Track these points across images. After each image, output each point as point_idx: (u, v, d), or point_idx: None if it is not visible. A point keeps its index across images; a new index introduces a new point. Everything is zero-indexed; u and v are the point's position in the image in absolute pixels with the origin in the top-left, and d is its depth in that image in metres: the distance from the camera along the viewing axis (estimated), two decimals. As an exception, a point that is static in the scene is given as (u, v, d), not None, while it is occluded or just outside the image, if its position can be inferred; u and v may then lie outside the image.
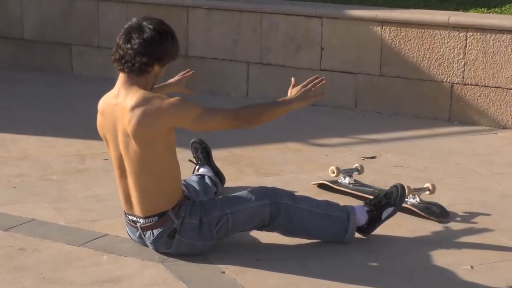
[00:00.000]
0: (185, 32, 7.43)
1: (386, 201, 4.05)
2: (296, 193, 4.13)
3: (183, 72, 4.55)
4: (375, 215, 4.05)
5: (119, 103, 3.72)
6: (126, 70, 3.71)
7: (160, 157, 3.74)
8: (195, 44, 7.44)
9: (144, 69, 3.70)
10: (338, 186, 4.78)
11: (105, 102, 3.82)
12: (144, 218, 3.82)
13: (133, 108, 3.66)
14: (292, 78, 4.03)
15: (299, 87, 3.93)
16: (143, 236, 3.87)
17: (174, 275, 3.67)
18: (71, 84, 7.74)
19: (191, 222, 3.81)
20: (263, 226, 3.95)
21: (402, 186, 4.09)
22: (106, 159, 5.36)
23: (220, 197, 4.09)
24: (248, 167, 5.29)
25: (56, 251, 3.93)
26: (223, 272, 3.73)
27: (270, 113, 3.88)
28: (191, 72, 4.53)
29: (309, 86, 3.92)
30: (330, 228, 3.99)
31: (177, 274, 3.69)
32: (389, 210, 4.05)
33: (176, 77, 4.51)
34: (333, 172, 4.82)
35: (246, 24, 7.19)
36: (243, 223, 3.90)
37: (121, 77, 3.76)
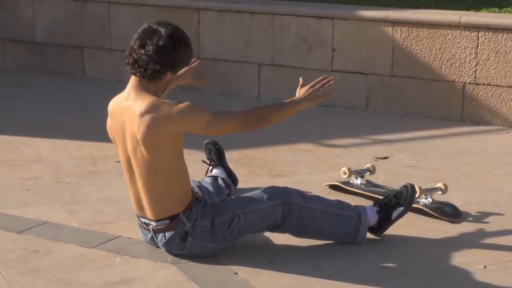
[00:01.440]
0: (196, 34, 7.44)
1: (396, 201, 4.04)
2: (308, 193, 4.12)
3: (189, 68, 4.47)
4: (385, 215, 4.04)
5: (128, 106, 3.73)
6: (138, 75, 3.71)
7: (167, 162, 3.75)
8: (206, 46, 7.45)
9: (156, 76, 3.71)
10: (350, 187, 4.78)
11: (115, 105, 3.83)
12: (156, 221, 3.83)
13: (142, 114, 3.65)
14: (300, 78, 4.03)
15: (307, 87, 3.94)
16: (155, 238, 3.89)
17: (187, 277, 3.68)
18: (83, 87, 7.76)
19: (203, 224, 3.82)
20: (275, 227, 3.95)
21: (412, 186, 4.08)
22: (119, 161, 5.37)
23: (231, 197, 4.09)
24: (260, 168, 5.30)
25: (69, 253, 3.95)
26: (236, 273, 3.73)
27: (279, 114, 3.89)
28: (197, 62, 4.46)
29: (317, 86, 3.93)
30: (342, 228, 3.99)
31: (189, 275, 3.69)
32: (399, 210, 4.04)
33: (183, 69, 4.33)
34: (345, 173, 4.82)
35: (257, 26, 7.19)
36: (255, 224, 3.90)
37: (133, 80, 3.76)
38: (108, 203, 4.64)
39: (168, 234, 3.82)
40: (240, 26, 7.28)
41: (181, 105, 3.67)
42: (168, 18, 7.53)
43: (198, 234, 3.81)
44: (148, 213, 3.84)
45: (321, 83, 3.94)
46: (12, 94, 7.47)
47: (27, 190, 4.86)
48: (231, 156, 5.22)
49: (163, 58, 3.67)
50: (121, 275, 3.71)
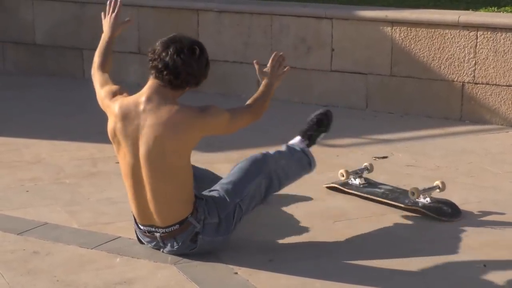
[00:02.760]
0: (195, 35, 7.44)
1: (319, 131, 4.52)
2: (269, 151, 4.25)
3: (110, 8, 4.30)
4: (312, 143, 4.54)
5: (149, 110, 3.70)
6: (164, 81, 3.71)
7: (184, 165, 3.77)
8: (206, 46, 7.42)
9: (183, 86, 3.74)
10: (349, 188, 4.77)
11: (128, 107, 3.76)
12: (165, 227, 3.82)
13: (172, 120, 3.65)
14: (254, 62, 4.17)
15: (268, 69, 4.13)
16: (162, 245, 3.88)
17: (187, 277, 3.69)
18: (83, 88, 7.75)
19: (212, 222, 3.85)
20: (261, 200, 4.10)
21: (328, 110, 4.60)
22: (118, 162, 5.39)
23: (221, 185, 4.03)
24: (259, 168, 5.29)
25: (69, 254, 3.96)
26: (236, 273, 3.74)
27: (267, 99, 4.08)
28: (119, 1, 4.28)
29: (276, 65, 4.14)
30: (302, 168, 4.35)
31: (190, 275, 3.70)
32: (322, 135, 4.55)
33: (108, 20, 4.30)
34: (343, 176, 4.83)
35: (257, 26, 7.21)
36: (250, 205, 4.02)
37: (153, 85, 3.74)
38: (108, 204, 4.64)
39: (179, 239, 3.83)
40: (240, 27, 7.29)
41: (205, 112, 3.73)
42: (168, 19, 7.60)
43: (207, 231, 3.85)
44: (156, 220, 3.81)
45: (277, 62, 4.14)
46: (12, 96, 7.48)
47: (27, 191, 4.87)
48: (231, 157, 5.24)
49: (197, 71, 3.74)
50: (121, 275, 3.71)
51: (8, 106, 7.10)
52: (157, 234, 3.85)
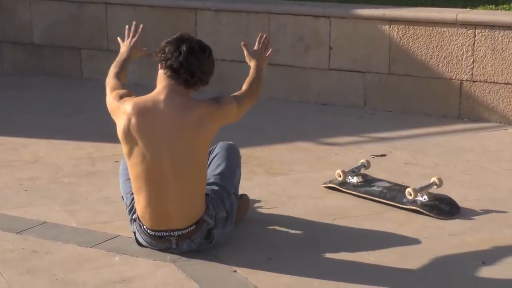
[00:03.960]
0: (193, 34, 7.38)
1: None
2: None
3: (130, 32, 4.29)
4: None
5: (171, 110, 3.71)
6: (179, 81, 3.75)
7: (205, 159, 3.85)
8: (203, 46, 7.45)
9: (197, 85, 3.80)
10: (347, 188, 4.77)
11: (146, 105, 3.74)
12: (182, 229, 3.82)
13: (194, 117, 3.70)
14: (242, 44, 4.24)
15: (256, 51, 4.20)
16: (174, 247, 3.86)
17: (186, 275, 3.69)
18: (81, 88, 7.77)
19: (222, 216, 3.91)
20: None
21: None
22: (117, 161, 5.39)
23: (214, 177, 4.05)
24: (258, 167, 5.30)
25: (69, 253, 3.96)
26: (235, 271, 3.74)
27: (260, 81, 4.13)
28: (141, 27, 4.30)
29: (262, 47, 4.21)
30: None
31: (189, 273, 3.70)
32: None
33: (128, 43, 4.29)
34: (340, 176, 4.82)
35: (254, 25, 7.20)
36: (238, 190, 4.13)
37: (171, 85, 3.76)
38: (106, 203, 4.64)
39: (195, 239, 3.84)
40: (237, 26, 7.29)
41: (222, 100, 3.84)
42: (165, 19, 7.60)
43: (219, 225, 3.90)
44: (175, 222, 3.80)
45: (263, 43, 4.21)
46: (10, 96, 7.48)
47: (26, 190, 4.87)
48: (229, 155, 5.23)
49: (208, 69, 3.83)
50: (120, 274, 3.71)
51: (6, 106, 7.10)
52: (172, 239, 3.83)
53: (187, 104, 3.74)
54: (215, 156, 4.13)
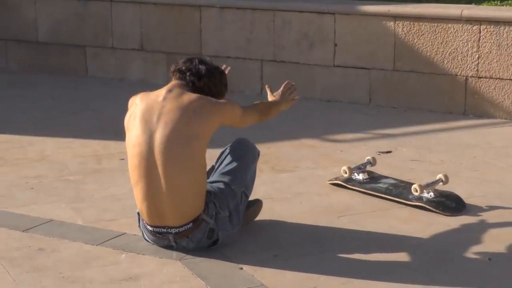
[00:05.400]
0: (198, 31, 7.45)
1: None
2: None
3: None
4: None
5: (169, 99, 3.77)
6: (186, 82, 3.86)
7: (201, 154, 3.79)
8: (208, 43, 7.46)
9: (204, 90, 3.87)
10: (352, 185, 4.77)
11: (150, 97, 3.81)
12: (179, 227, 3.81)
13: (190, 105, 3.74)
14: (266, 86, 4.36)
15: (280, 92, 4.27)
16: (173, 244, 3.87)
17: (192, 272, 3.69)
18: (86, 86, 7.78)
19: (224, 216, 3.87)
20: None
21: None
22: (123, 159, 5.40)
23: (223, 176, 4.02)
24: (264, 164, 5.30)
25: (75, 250, 3.96)
26: (241, 268, 3.74)
27: (272, 109, 4.22)
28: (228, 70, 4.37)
29: (287, 91, 4.28)
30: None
31: (195, 271, 3.70)
32: None
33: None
34: (345, 173, 4.82)
35: (259, 22, 7.20)
36: (250, 190, 4.09)
37: (176, 82, 3.87)
38: (112, 200, 4.65)
39: (194, 238, 3.83)
40: (242, 23, 7.29)
41: (222, 100, 3.92)
42: (170, 16, 7.60)
43: (222, 226, 3.87)
44: (170, 219, 3.79)
45: (289, 89, 4.29)
46: (15, 94, 7.49)
47: (32, 188, 4.88)
48: (234, 153, 5.23)
49: (218, 81, 3.96)
50: (127, 271, 3.72)
51: (12, 104, 7.11)
52: (170, 236, 3.84)
53: (185, 95, 3.79)
54: (227, 154, 4.09)
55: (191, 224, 3.80)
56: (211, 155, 5.17)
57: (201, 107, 3.75)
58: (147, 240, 3.97)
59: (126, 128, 3.84)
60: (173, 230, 3.82)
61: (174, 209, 3.76)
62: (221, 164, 4.07)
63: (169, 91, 3.81)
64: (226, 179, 3.98)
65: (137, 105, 3.81)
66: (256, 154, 4.14)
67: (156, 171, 3.73)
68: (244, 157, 4.07)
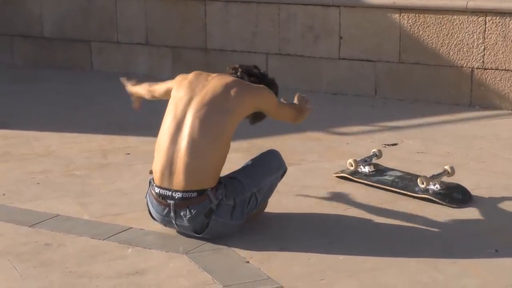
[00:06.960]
0: (203, 25, 7.44)
1: None
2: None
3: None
4: None
5: (215, 77, 4.03)
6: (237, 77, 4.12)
7: (230, 130, 3.93)
8: (213, 37, 7.46)
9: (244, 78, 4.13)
10: (359, 177, 4.77)
11: (201, 73, 4.09)
12: (183, 191, 3.84)
13: (231, 83, 3.97)
14: (282, 99, 4.34)
15: (295, 103, 4.38)
16: (173, 213, 3.89)
17: (199, 266, 3.69)
18: (92, 81, 7.78)
19: (228, 203, 3.89)
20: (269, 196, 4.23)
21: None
22: (128, 153, 5.41)
23: (241, 173, 4.07)
24: (269, 157, 5.30)
25: (81, 245, 3.97)
26: (248, 261, 3.74)
27: (301, 116, 4.39)
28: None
29: (302, 100, 4.37)
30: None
31: (201, 265, 3.71)
32: None
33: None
34: (351, 165, 4.82)
35: (264, 16, 7.20)
36: (265, 197, 4.13)
37: (227, 74, 4.15)
38: (118, 195, 4.65)
39: (193, 210, 3.84)
40: (247, 16, 7.28)
41: (266, 88, 4.09)
42: (175, 10, 7.59)
43: (222, 212, 3.88)
44: (177, 180, 3.84)
45: (303, 98, 4.38)
46: (21, 89, 7.50)
47: (38, 184, 4.89)
48: (241, 146, 5.24)
49: (268, 80, 4.21)
50: (133, 266, 3.72)
51: (17, 99, 7.12)
52: (171, 202, 3.86)
53: (230, 76, 4.07)
54: (254, 158, 4.18)
55: (196, 193, 3.83)
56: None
57: (241, 85, 3.99)
58: (150, 213, 4.00)
59: (177, 83, 4.07)
60: (176, 195, 3.84)
61: (186, 169, 3.83)
62: (245, 164, 4.14)
63: (219, 74, 4.08)
64: (240, 176, 4.03)
65: (188, 76, 4.07)
66: (281, 166, 4.22)
67: (184, 131, 3.88)
68: (267, 164, 4.15)
